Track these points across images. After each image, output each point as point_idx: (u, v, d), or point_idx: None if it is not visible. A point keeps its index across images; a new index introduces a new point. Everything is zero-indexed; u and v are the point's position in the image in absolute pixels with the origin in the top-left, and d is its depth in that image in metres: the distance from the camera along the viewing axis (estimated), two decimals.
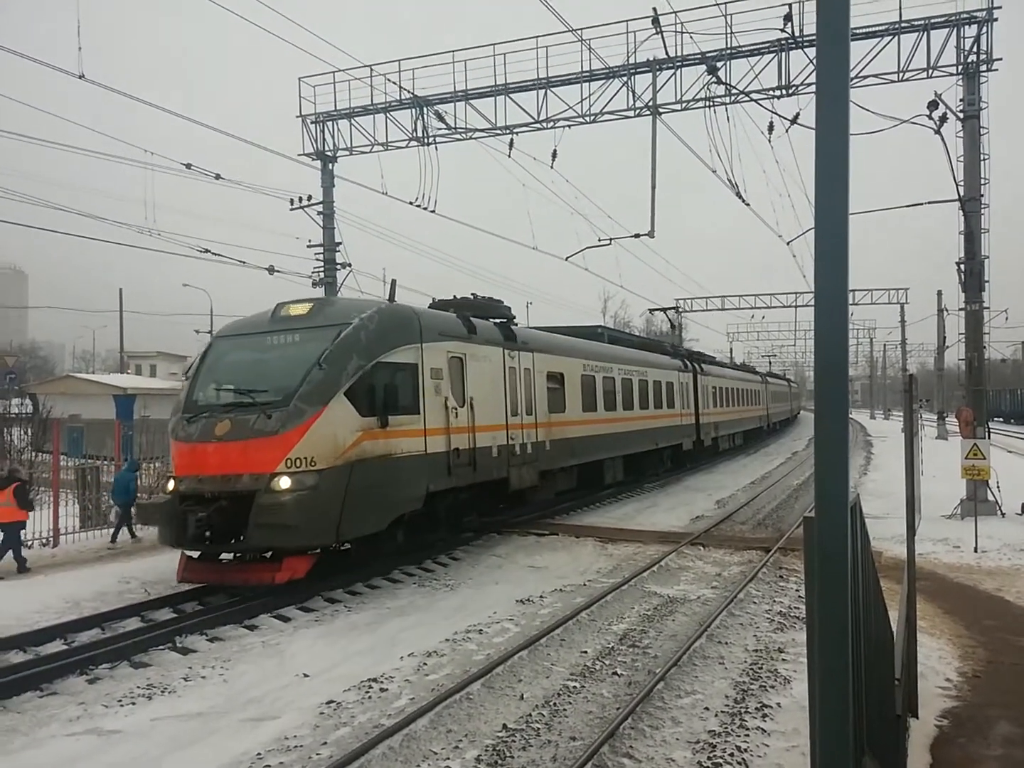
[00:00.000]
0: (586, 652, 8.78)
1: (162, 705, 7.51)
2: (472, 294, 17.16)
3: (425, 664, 8.43)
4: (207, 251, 19.06)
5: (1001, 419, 66.01)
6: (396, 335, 12.58)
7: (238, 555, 11.68)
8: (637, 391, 24.05)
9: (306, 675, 8.18)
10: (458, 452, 13.63)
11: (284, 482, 10.65)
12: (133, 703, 7.57)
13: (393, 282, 14.16)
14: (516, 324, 17.76)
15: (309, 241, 23.72)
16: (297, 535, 10.69)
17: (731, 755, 6.18)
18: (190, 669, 8.50)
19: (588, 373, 20.25)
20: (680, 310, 58.16)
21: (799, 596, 10.92)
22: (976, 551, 13.81)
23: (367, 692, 7.65)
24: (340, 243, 23.66)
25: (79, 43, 14.83)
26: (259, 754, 6.33)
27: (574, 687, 7.71)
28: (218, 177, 19.38)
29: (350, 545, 12.48)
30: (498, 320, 16.84)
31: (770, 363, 79.09)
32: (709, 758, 6.13)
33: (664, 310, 33.93)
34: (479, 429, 14.38)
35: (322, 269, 23.51)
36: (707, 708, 7.15)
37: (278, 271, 21.81)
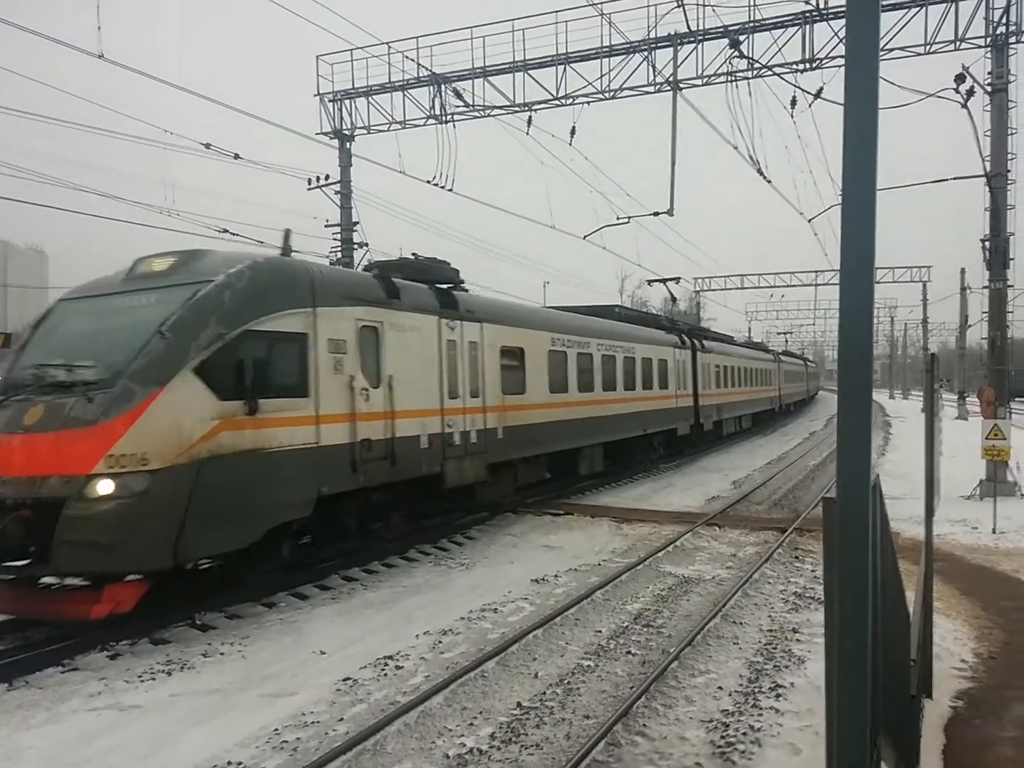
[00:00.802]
0: (600, 631, 8.80)
1: (181, 681, 7.61)
2: (413, 254, 14.95)
3: (440, 642, 8.49)
4: (225, 231, 19.07)
5: (1023, 399, 65.22)
6: (276, 297, 10.02)
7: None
8: (621, 369, 21.17)
9: (323, 652, 8.26)
10: (369, 444, 11.22)
11: (103, 486, 8.17)
12: (153, 679, 7.67)
13: (287, 232, 11.54)
14: (466, 290, 15.11)
15: (327, 221, 23.74)
16: (116, 557, 8.26)
17: (744, 734, 6.18)
18: (209, 645, 8.60)
19: (557, 348, 17.53)
20: (691, 287, 57.78)
21: (815, 577, 10.88)
22: (994, 532, 13.70)
23: (383, 669, 7.71)
24: (357, 222, 23.66)
25: (98, 22, 14.83)
26: (276, 729, 6.41)
27: (588, 666, 7.74)
28: (237, 157, 19.37)
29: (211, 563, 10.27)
30: (438, 284, 14.18)
31: (787, 341, 78.22)
32: (722, 737, 6.14)
33: (663, 281, 29.29)
34: (401, 415, 12.00)
35: (339, 249, 23.53)
36: (721, 687, 7.15)
37: (295, 251, 21.81)
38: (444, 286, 14.26)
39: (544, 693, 7.07)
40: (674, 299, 34.14)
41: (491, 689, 7.18)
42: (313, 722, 6.54)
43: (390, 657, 8.02)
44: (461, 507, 14.98)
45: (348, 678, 7.48)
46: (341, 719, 6.58)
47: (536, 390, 16.48)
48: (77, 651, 8.35)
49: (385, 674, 7.60)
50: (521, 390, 15.89)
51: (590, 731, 6.21)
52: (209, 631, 9.16)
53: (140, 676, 7.73)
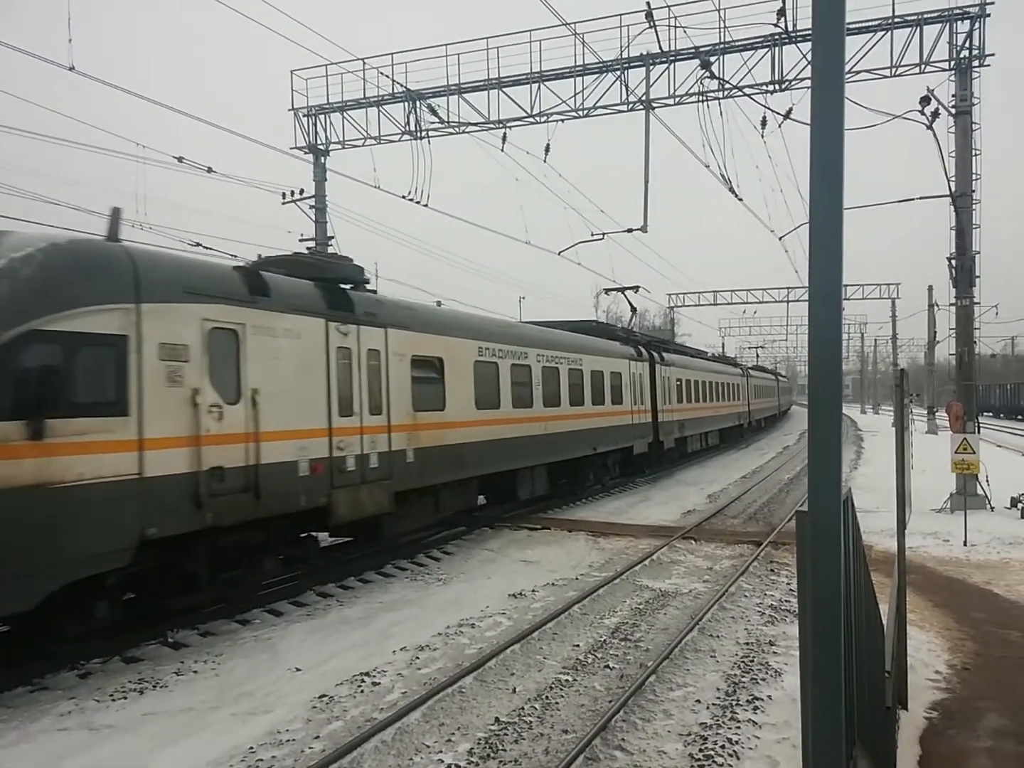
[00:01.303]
0: (578, 646, 8.81)
1: (154, 699, 7.50)
2: (308, 248, 13.37)
3: (417, 658, 8.44)
4: (198, 244, 18.92)
5: (991, 414, 66.36)
6: (80, 288, 7.93)
7: None
8: (566, 383, 19.22)
9: (298, 669, 8.18)
10: (221, 473, 9.19)
11: None
12: (125, 697, 7.56)
13: (115, 211, 9.16)
14: (371, 291, 13.28)
15: (301, 235, 23.65)
16: None
17: (722, 747, 6.21)
18: (182, 663, 8.48)
19: (487, 360, 15.66)
20: (665, 302, 58.22)
21: (790, 590, 10.97)
22: (965, 544, 13.90)
23: (359, 686, 7.66)
24: (332, 237, 23.60)
25: (69, 35, 14.73)
26: (251, 748, 6.34)
27: (566, 680, 7.74)
28: (210, 170, 19.27)
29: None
30: (334, 282, 12.10)
31: (757, 355, 78.62)
32: (700, 750, 6.17)
33: (622, 290, 27.28)
34: (270, 436, 9.94)
35: None
36: (698, 701, 7.18)
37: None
38: (344, 286, 12.32)
39: (522, 708, 7.05)
40: (633, 309, 29.56)
41: (469, 705, 7.16)
42: (289, 740, 6.47)
43: (367, 673, 7.96)
44: (372, 538, 12.95)
45: (324, 695, 7.42)
46: (317, 736, 6.52)
47: (459, 406, 14.57)
48: (47, 670, 8.19)
49: (362, 691, 7.54)
50: (440, 406, 14.00)
51: (569, 746, 6.20)
52: (182, 649, 9.04)
53: (111, 695, 7.61)
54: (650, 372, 25.84)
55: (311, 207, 23.39)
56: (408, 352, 13.14)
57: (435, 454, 13.68)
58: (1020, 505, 16.78)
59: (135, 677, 8.10)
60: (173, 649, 9.03)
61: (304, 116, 23.21)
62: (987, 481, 17.15)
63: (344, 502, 11.29)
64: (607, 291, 30.90)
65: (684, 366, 30.76)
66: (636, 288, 26.90)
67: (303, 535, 11.50)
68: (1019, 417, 60.23)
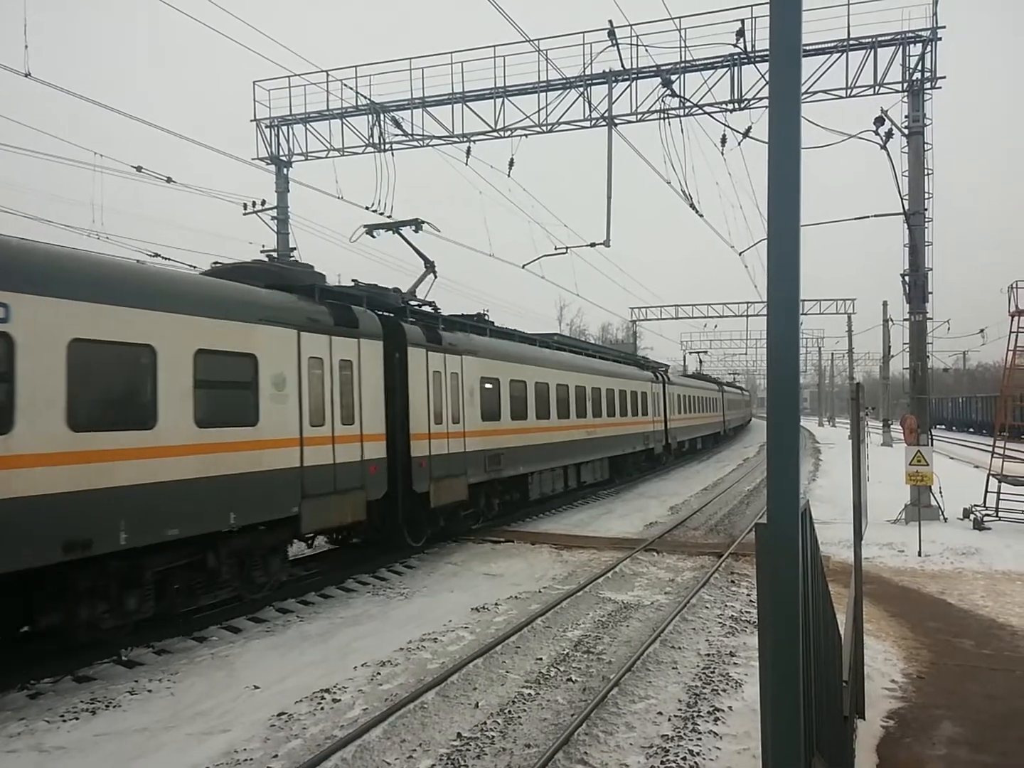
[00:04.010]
0: (541, 659, 8.79)
1: (107, 720, 7.30)
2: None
3: (379, 674, 8.35)
4: (156, 255, 18.64)
5: (944, 426, 67.92)
6: None
7: None
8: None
9: (256, 687, 8.04)
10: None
11: None
12: (76, 718, 7.35)
13: None
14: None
15: (263, 246, 23.39)
16: None
17: (684, 759, 6.23)
18: (136, 683, 8.28)
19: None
20: (628, 316, 59.05)
21: (750, 600, 11.07)
22: (920, 555, 14.18)
23: (319, 703, 7.54)
24: (295, 248, 23.41)
25: (25, 41, 14.47)
26: None
27: (529, 694, 7.71)
28: (169, 180, 19.03)
29: None
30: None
31: (700, 362, 76.97)
32: (662, 762, 6.18)
33: (396, 226, 16.82)
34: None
35: None
36: (660, 713, 7.21)
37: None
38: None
39: (485, 723, 7.01)
40: (428, 264, 24.19)
41: (431, 720, 7.10)
42: (246, 759, 6.35)
43: (327, 690, 7.85)
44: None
45: (283, 713, 7.29)
46: (276, 755, 6.41)
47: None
48: None
49: (322, 708, 7.43)
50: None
51: (531, 760, 6.18)
52: (136, 667, 8.82)
53: (63, 715, 7.40)
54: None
55: (273, 218, 23.19)
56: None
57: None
58: (972, 516, 17.17)
59: (87, 697, 7.89)
60: (127, 668, 8.82)
61: (267, 127, 23.05)
62: (940, 492, 17.52)
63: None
64: (370, 230, 16.56)
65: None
66: (417, 225, 16.86)
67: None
68: (970, 430, 61.69)
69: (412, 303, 15.84)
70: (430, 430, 14.42)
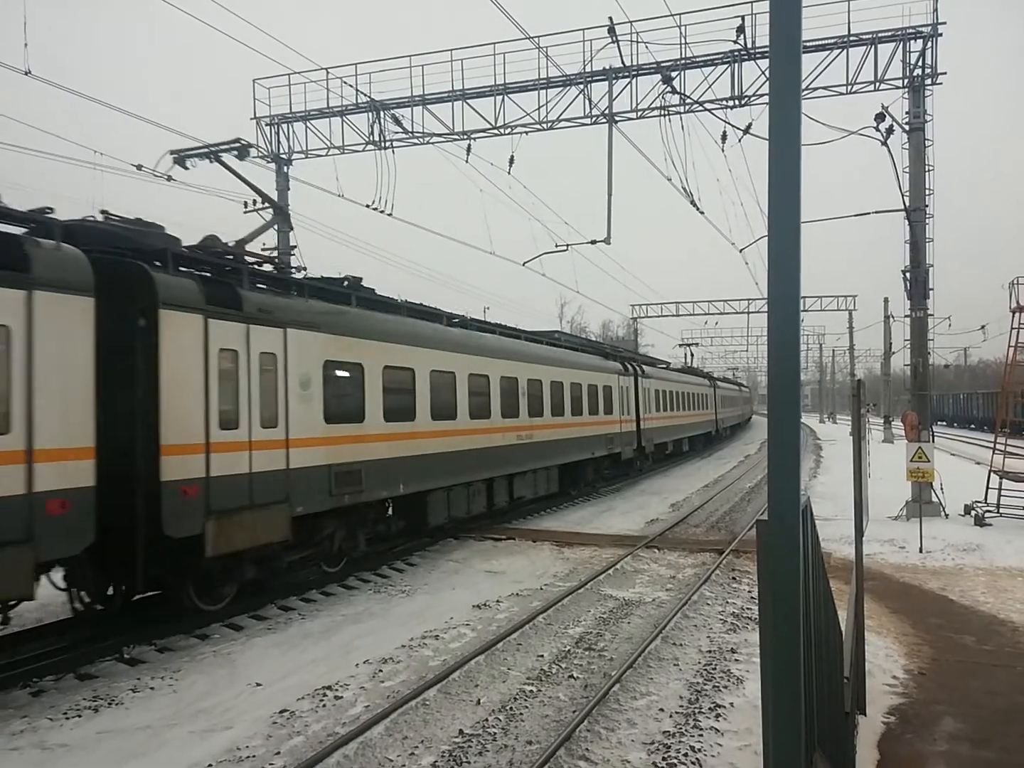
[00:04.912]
0: (543, 656, 8.80)
1: (109, 717, 7.32)
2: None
3: (381, 671, 8.36)
4: None
5: (945, 423, 67.89)
6: None
7: None
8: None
9: (258, 684, 8.05)
10: None
11: None
12: (79, 715, 7.37)
13: None
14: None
15: (263, 244, 23.37)
16: None
17: (685, 755, 6.24)
18: (138, 680, 8.30)
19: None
20: (630, 313, 58.85)
21: (751, 597, 11.08)
22: (921, 551, 14.18)
23: (321, 700, 7.56)
24: (295, 247, 23.39)
25: (25, 39, 14.46)
26: (210, 765, 6.22)
27: (531, 691, 7.72)
28: (169, 179, 19.01)
29: None
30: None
31: (691, 355, 75.43)
32: (664, 759, 6.19)
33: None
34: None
35: None
36: (662, 709, 7.22)
37: None
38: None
39: (486, 720, 7.02)
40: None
41: (432, 717, 7.11)
42: (249, 756, 6.36)
43: (329, 687, 7.87)
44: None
45: (285, 710, 7.31)
46: (278, 752, 6.42)
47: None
48: None
49: (324, 705, 7.45)
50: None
51: (533, 757, 6.19)
52: (139, 665, 8.84)
53: (65, 713, 7.42)
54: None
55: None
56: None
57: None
58: (973, 512, 17.17)
59: (90, 694, 7.90)
60: (129, 665, 8.84)
61: (267, 125, 23.05)
62: (941, 489, 17.52)
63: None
64: (180, 158, 10.19)
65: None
66: (242, 150, 12.96)
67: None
68: (971, 426, 61.69)
69: (249, 260, 11.80)
70: (209, 439, 9.51)
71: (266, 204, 13.09)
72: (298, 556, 11.52)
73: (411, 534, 14.94)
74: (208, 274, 10.52)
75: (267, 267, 12.31)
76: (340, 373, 12.13)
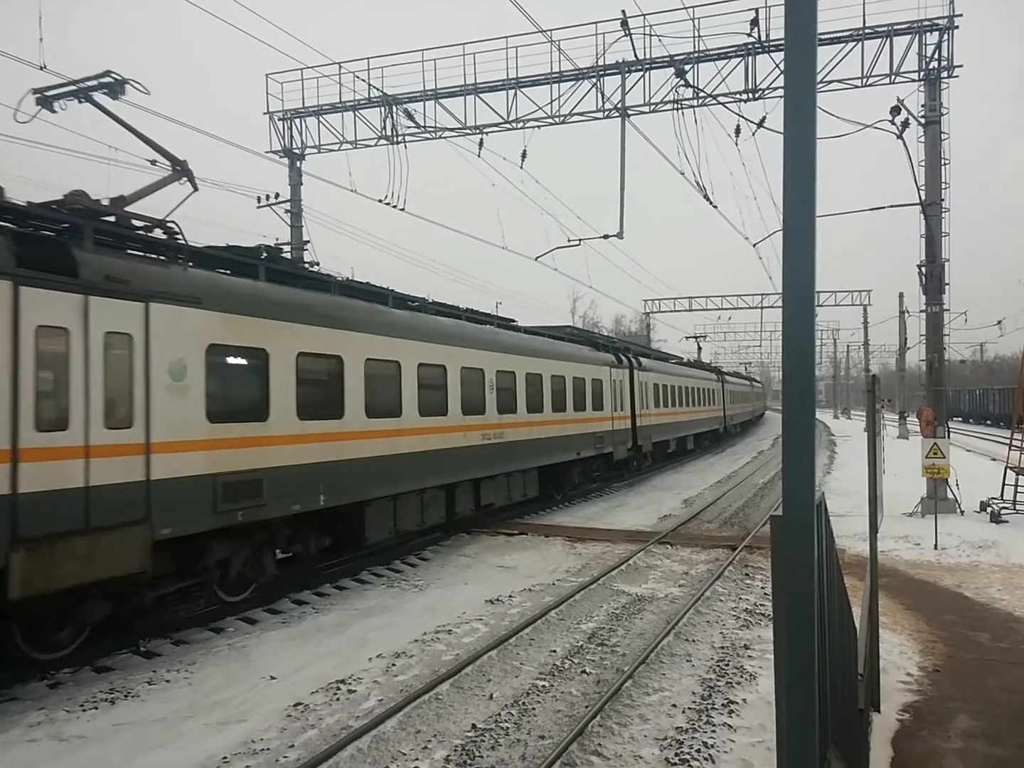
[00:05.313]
0: (555, 651, 8.81)
1: (126, 709, 7.39)
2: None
3: (394, 665, 8.40)
4: None
5: (960, 419, 67.44)
6: None
7: None
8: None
9: (273, 677, 8.10)
10: None
11: None
12: (96, 708, 7.44)
13: None
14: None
15: (276, 239, 23.45)
16: None
17: (698, 751, 6.24)
18: (154, 673, 8.37)
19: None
20: (642, 308, 58.64)
21: (764, 593, 11.05)
22: (936, 548, 14.09)
23: (335, 694, 7.60)
24: (308, 241, 23.46)
25: (40, 34, 14.54)
26: (225, 758, 6.27)
27: (543, 686, 7.73)
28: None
29: None
30: None
31: (699, 348, 74.55)
32: (676, 754, 6.19)
33: None
34: None
35: None
36: (675, 705, 7.21)
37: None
38: None
39: (499, 714, 7.04)
40: None
41: (445, 712, 7.13)
42: (263, 749, 6.41)
43: (342, 681, 7.91)
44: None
45: (299, 703, 7.35)
46: (292, 745, 6.47)
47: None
48: (15, 680, 8.05)
49: (337, 698, 7.49)
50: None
51: (545, 751, 6.20)
52: (154, 658, 8.92)
53: (82, 705, 7.49)
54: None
55: (287, 211, 23.25)
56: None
57: None
58: (989, 509, 17.04)
59: (106, 687, 7.98)
60: (145, 658, 8.91)
61: (280, 120, 23.12)
62: (957, 485, 17.40)
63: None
64: (44, 100, 9.77)
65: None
66: (115, 89, 10.60)
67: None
68: (988, 422, 61.23)
69: (137, 224, 9.69)
70: (17, 444, 7.30)
71: (178, 167, 11.04)
72: (173, 588, 9.47)
73: (350, 549, 13.04)
74: (27, 229, 8.23)
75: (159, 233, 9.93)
76: (233, 360, 9.93)
